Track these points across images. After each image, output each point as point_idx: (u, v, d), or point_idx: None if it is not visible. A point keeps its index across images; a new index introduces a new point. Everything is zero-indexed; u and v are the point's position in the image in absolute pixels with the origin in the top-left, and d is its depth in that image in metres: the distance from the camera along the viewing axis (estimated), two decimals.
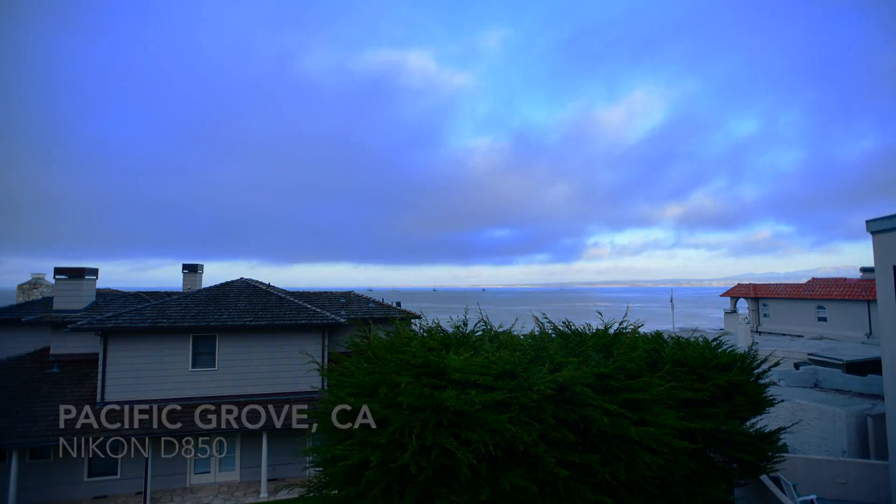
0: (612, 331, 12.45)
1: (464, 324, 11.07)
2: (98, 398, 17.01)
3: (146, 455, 16.20)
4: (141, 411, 16.90)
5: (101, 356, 17.16)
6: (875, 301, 24.91)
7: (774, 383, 23.75)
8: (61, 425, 15.83)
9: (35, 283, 33.45)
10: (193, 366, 17.96)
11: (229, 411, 17.36)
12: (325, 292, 25.48)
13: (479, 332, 11.12)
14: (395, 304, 25.80)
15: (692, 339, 13.11)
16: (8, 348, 20.08)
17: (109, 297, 22.41)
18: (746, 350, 13.30)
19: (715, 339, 13.29)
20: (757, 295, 41.09)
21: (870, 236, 16.38)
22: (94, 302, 21.46)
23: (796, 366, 26.86)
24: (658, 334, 14.13)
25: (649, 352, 11.56)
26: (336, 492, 8.27)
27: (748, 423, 12.54)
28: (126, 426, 16.21)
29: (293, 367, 18.12)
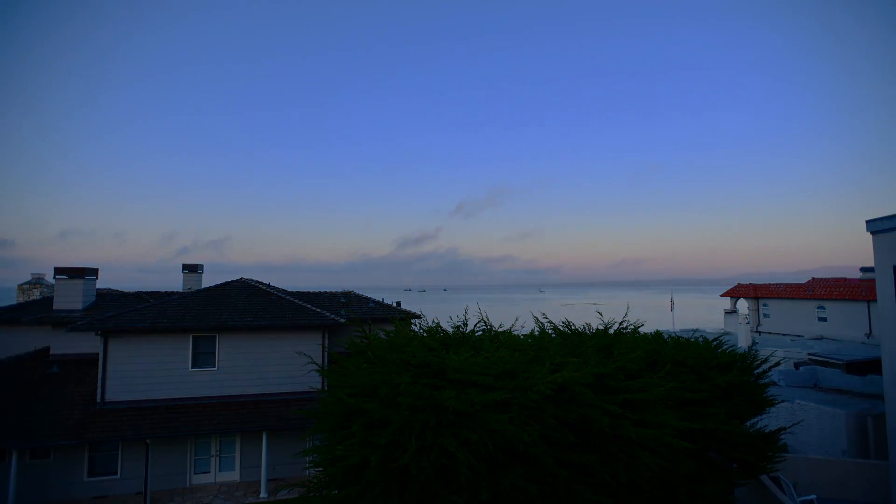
0: (612, 331, 12.46)
1: (464, 324, 11.09)
2: (98, 398, 16.99)
3: (146, 455, 16.20)
4: (141, 411, 16.91)
5: (101, 356, 17.15)
6: (875, 301, 24.91)
7: (774, 383, 23.76)
8: (61, 425, 15.85)
9: (35, 282, 33.47)
10: (193, 366, 17.95)
11: (229, 411, 17.36)
12: (326, 292, 25.49)
13: (479, 332, 11.13)
14: (394, 304, 25.81)
15: (692, 339, 13.13)
16: (8, 348, 20.08)
17: (110, 297, 22.41)
18: (746, 350, 13.31)
19: (715, 340, 13.30)
20: (757, 295, 41.08)
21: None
22: (95, 302, 21.46)
23: (796, 366, 26.86)
24: (658, 334, 14.15)
25: (649, 352, 11.58)
26: (336, 492, 8.28)
27: (748, 423, 12.55)
28: (126, 426, 16.21)
29: (293, 368, 18.10)
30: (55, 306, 20.23)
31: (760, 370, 12.75)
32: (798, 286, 39.10)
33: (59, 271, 20.50)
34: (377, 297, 26.03)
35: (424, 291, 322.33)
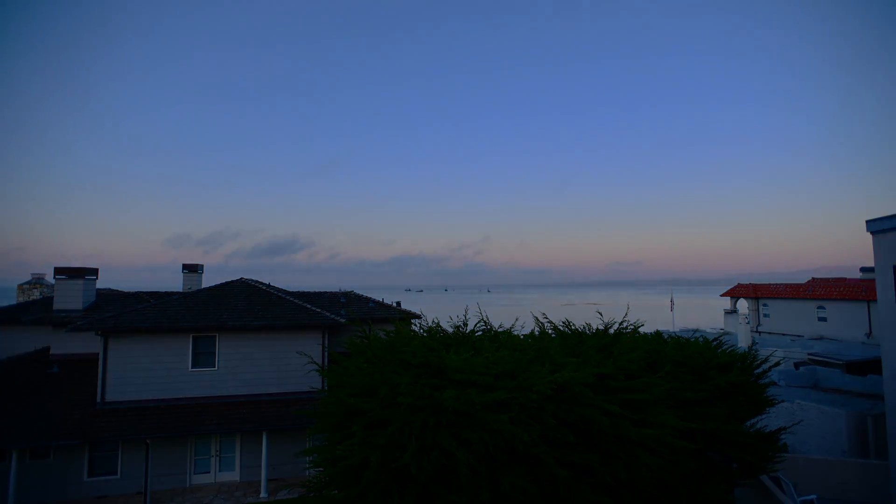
0: (612, 331, 12.46)
1: (464, 324, 11.09)
2: (98, 398, 16.99)
3: (146, 455, 16.20)
4: (141, 411, 16.91)
5: (101, 356, 17.15)
6: (875, 301, 24.91)
7: (774, 383, 23.77)
8: (61, 425, 15.85)
9: (35, 282, 33.48)
10: (194, 366, 17.94)
11: (229, 411, 17.37)
12: (326, 292, 25.49)
13: (480, 332, 11.14)
14: (394, 304, 25.81)
15: (692, 339, 13.12)
16: (8, 348, 20.09)
17: (110, 297, 22.41)
18: (746, 350, 13.31)
19: (715, 340, 13.30)
20: (757, 295, 41.08)
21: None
22: (95, 302, 21.46)
23: (796, 366, 26.85)
24: (658, 334, 14.15)
25: (649, 352, 11.56)
26: (336, 492, 8.28)
27: (748, 423, 12.55)
28: (126, 426, 16.21)
29: (293, 368, 18.11)
30: (55, 306, 20.23)
31: (760, 370, 12.74)
32: (798, 286, 39.10)
33: (58, 271, 20.50)
34: (377, 297, 26.03)
35: (422, 291, 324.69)
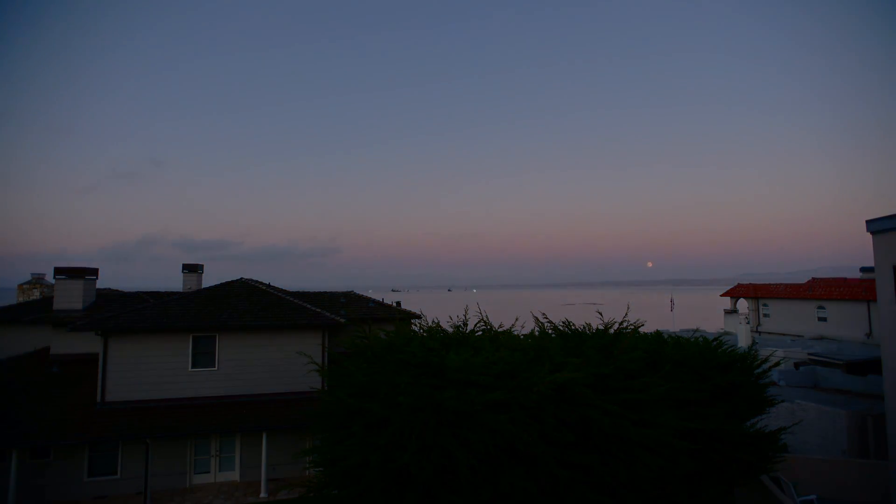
0: (612, 331, 12.46)
1: (464, 324, 11.10)
2: (98, 398, 16.99)
3: (146, 455, 16.20)
4: (141, 411, 16.91)
5: (101, 356, 17.15)
6: (875, 301, 24.90)
7: (774, 383, 23.76)
8: (61, 425, 15.84)
9: (35, 282, 33.51)
10: (193, 366, 17.94)
11: (229, 411, 17.36)
12: (326, 292, 25.49)
13: (480, 332, 11.14)
14: (394, 304, 25.82)
15: (692, 339, 13.13)
16: (8, 348, 20.09)
17: (110, 297, 22.42)
18: (747, 350, 13.31)
19: (715, 340, 13.30)
20: (757, 295, 41.07)
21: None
22: (95, 302, 21.46)
23: (796, 366, 26.84)
24: (658, 334, 14.15)
25: (649, 352, 11.56)
26: (336, 492, 8.28)
27: (748, 423, 12.55)
28: (126, 426, 16.21)
29: (293, 368, 18.10)
30: (55, 306, 20.24)
31: (760, 370, 12.74)
32: (798, 286, 39.08)
33: (59, 271, 20.51)
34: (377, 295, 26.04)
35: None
